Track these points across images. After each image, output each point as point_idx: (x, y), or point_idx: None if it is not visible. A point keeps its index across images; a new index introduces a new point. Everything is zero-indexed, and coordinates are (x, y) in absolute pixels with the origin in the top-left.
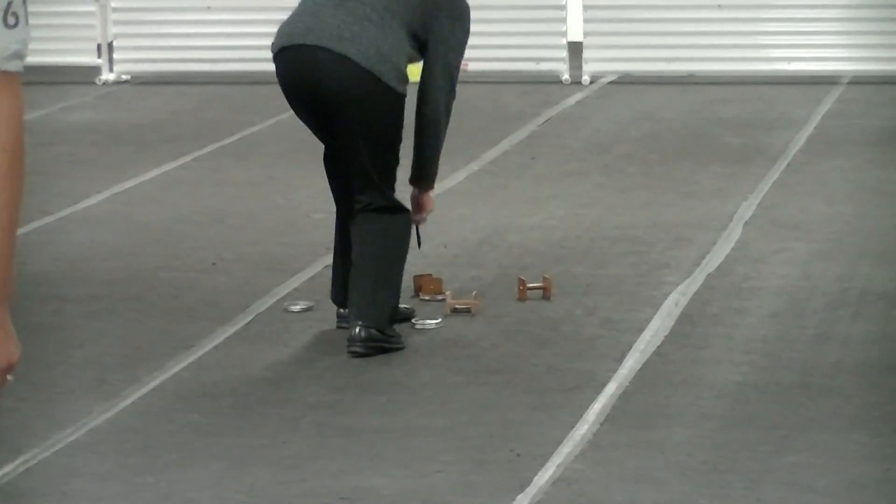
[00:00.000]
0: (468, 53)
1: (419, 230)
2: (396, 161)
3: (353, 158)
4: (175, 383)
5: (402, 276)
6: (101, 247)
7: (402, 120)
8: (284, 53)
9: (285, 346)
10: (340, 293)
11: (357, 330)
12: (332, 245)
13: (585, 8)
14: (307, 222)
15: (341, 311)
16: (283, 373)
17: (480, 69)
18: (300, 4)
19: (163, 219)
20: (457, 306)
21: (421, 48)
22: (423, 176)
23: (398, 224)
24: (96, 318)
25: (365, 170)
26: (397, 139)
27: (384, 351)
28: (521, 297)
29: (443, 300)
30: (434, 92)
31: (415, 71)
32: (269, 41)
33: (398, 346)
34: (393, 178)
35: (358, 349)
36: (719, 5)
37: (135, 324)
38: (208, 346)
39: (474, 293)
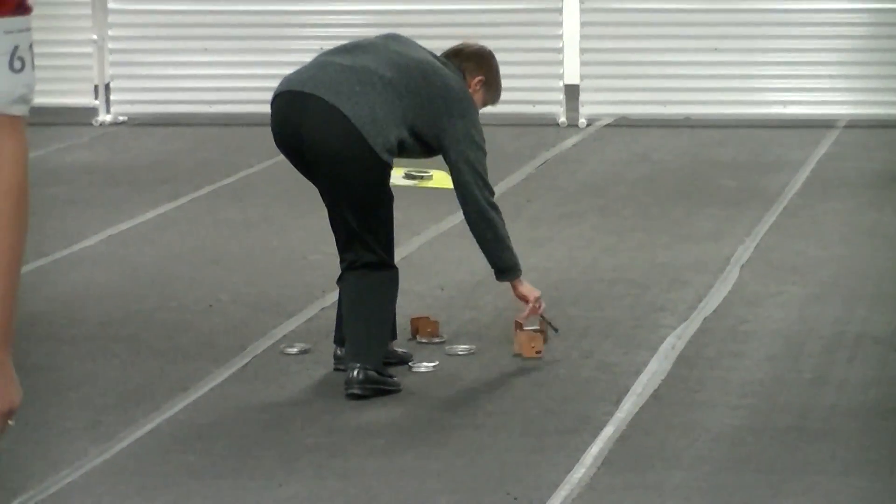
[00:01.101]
0: None
1: (544, 317)
2: (384, 225)
3: (338, 214)
4: (171, 425)
5: (393, 316)
6: (97, 287)
7: (386, 189)
8: (280, 98)
9: (282, 388)
10: (339, 333)
11: (356, 372)
12: (327, 287)
13: (582, 51)
14: (304, 264)
15: (339, 352)
16: (279, 415)
17: None
18: (312, 59)
19: (158, 259)
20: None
21: (428, 147)
22: (502, 271)
23: (385, 278)
24: (92, 359)
25: (349, 227)
26: (381, 206)
27: (382, 393)
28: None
29: (440, 342)
30: (467, 189)
31: (441, 178)
32: (265, 83)
33: (395, 388)
34: (382, 238)
35: (356, 391)
36: (716, 49)
37: (130, 365)
38: (204, 387)
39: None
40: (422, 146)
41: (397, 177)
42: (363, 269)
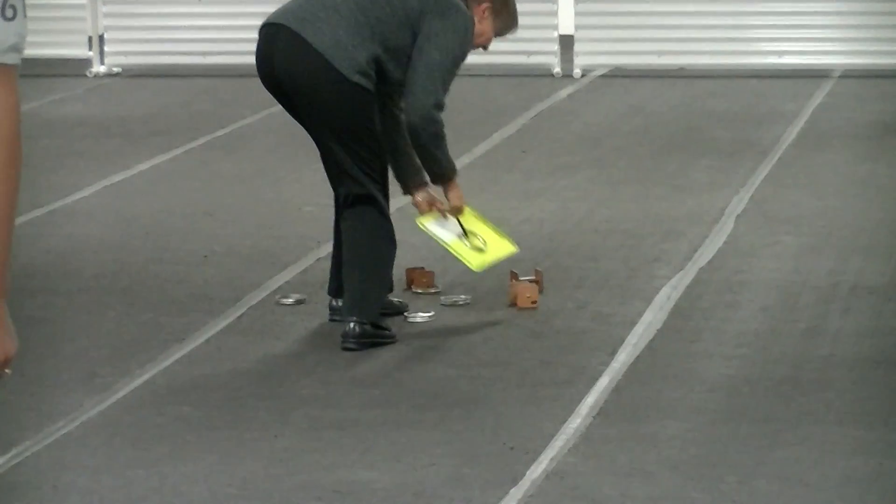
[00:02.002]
0: None
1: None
2: (374, 155)
3: (325, 148)
4: (166, 377)
5: (390, 269)
6: (91, 240)
7: (369, 117)
8: (259, 34)
9: (277, 339)
10: (334, 284)
11: (351, 325)
12: (322, 238)
13: (577, 1)
14: (298, 215)
15: (334, 303)
16: (274, 366)
17: (470, 62)
18: None
19: (153, 212)
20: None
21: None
22: (432, 177)
23: (378, 218)
24: (87, 312)
25: (338, 160)
26: (365, 135)
27: (377, 345)
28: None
29: (435, 293)
30: (412, 91)
31: (496, 247)
32: None
33: (391, 339)
34: (373, 169)
35: (351, 345)
36: None
37: (125, 317)
38: (199, 339)
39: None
40: (406, 63)
41: (449, 232)
42: (359, 205)
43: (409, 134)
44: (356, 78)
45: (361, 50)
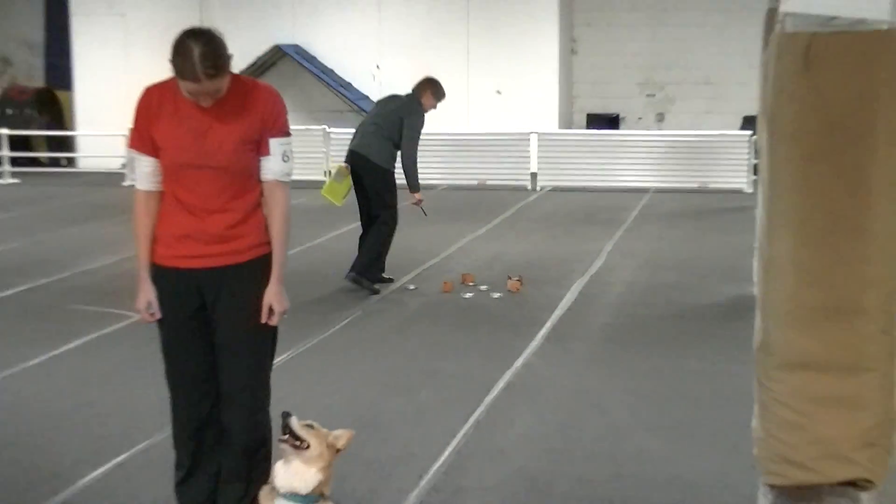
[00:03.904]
0: (486, 175)
1: (423, 209)
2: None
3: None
4: (349, 327)
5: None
6: (323, 263)
7: (391, 188)
8: None
9: (403, 306)
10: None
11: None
12: (427, 258)
13: (539, 159)
14: (413, 244)
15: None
16: (403, 321)
17: (490, 184)
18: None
19: (352, 246)
20: (514, 279)
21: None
22: (410, 187)
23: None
24: (320, 291)
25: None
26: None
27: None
28: (512, 289)
29: (474, 286)
30: (403, 153)
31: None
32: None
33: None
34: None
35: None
36: (593, 151)
37: (335, 292)
38: (357, 312)
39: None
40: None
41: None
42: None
43: (403, 169)
44: (385, 165)
45: (385, 149)
